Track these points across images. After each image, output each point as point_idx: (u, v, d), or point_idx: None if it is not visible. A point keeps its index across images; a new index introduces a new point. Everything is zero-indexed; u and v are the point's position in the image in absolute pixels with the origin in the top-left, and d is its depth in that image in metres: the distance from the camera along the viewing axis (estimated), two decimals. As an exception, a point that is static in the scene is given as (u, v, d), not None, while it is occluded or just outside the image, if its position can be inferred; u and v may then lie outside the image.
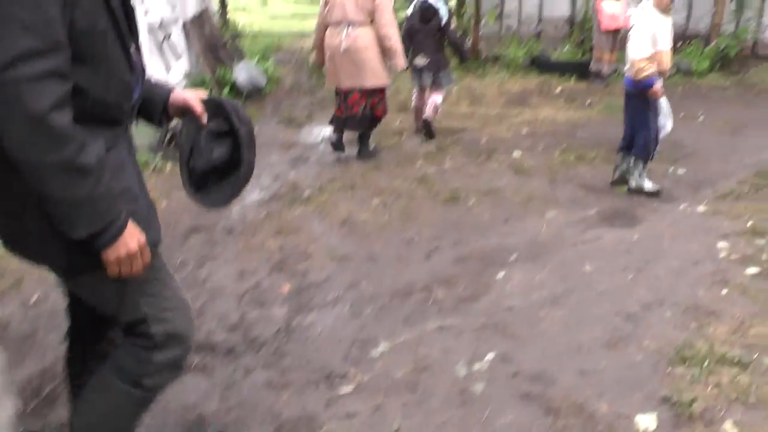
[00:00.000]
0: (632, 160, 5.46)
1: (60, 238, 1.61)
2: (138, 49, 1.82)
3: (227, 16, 14.48)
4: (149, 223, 1.77)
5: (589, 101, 8.76)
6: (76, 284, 1.82)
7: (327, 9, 6.05)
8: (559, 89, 9.36)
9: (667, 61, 5.10)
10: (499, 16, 12.11)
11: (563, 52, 10.72)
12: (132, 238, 1.64)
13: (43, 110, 1.42)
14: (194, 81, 8.24)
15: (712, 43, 10.24)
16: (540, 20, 12.04)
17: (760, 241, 4.56)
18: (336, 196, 5.55)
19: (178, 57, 8.06)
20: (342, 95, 6.20)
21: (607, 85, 9.32)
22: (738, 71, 10.32)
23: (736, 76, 10.13)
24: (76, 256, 1.66)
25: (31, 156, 1.46)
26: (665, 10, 5.12)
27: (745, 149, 6.81)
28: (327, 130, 6.93)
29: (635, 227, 4.88)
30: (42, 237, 1.64)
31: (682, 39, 10.75)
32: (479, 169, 6.19)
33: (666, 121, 5.84)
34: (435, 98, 6.99)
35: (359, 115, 6.18)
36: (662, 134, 5.64)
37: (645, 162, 5.43)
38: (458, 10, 11.28)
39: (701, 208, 5.18)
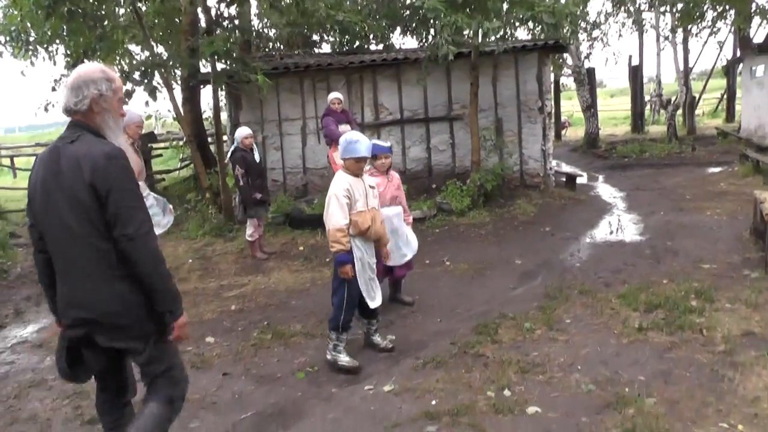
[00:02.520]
0: (329, 332, 4.97)
1: (151, 323, 3.03)
2: None
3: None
4: None
5: (329, 258, 8.05)
6: (150, 348, 3.06)
7: None
8: (301, 248, 8.68)
9: (364, 222, 4.77)
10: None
11: (317, 205, 10.18)
12: (185, 314, 3.10)
13: (155, 247, 2.94)
14: None
15: (468, 181, 10.06)
16: (305, 171, 11.63)
17: (431, 428, 3.73)
18: None
19: None
20: None
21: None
22: (504, 205, 10.21)
23: (501, 209, 10.00)
24: (160, 328, 3.05)
25: (154, 270, 2.92)
26: (356, 172, 4.81)
27: (478, 297, 6.35)
28: (26, 332, 6.58)
29: (292, 427, 4.03)
30: (144, 322, 3.00)
31: (452, 177, 10.68)
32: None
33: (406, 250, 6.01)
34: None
35: None
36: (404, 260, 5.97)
37: (337, 333, 4.86)
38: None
39: (388, 387, 4.50)
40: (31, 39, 10.37)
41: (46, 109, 10.02)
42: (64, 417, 4.50)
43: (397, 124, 11.52)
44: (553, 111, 22.24)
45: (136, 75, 9.03)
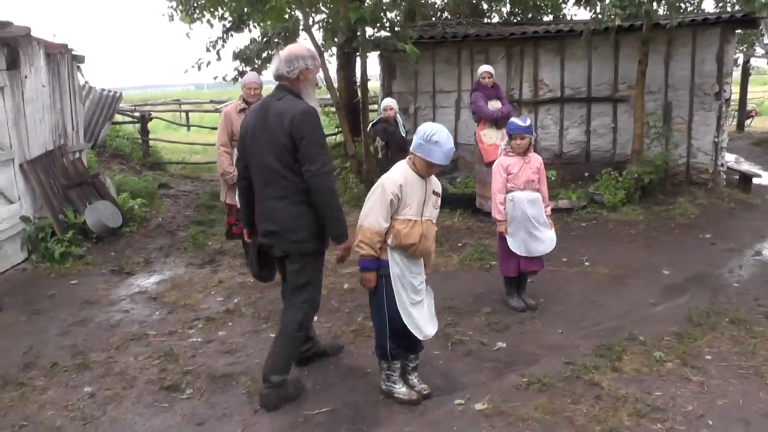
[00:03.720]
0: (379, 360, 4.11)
1: (311, 243, 3.94)
2: None
3: (149, 144, 14.11)
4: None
5: (463, 243, 7.57)
6: (303, 262, 3.95)
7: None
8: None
9: (409, 235, 3.76)
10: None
11: (463, 182, 9.66)
12: (349, 240, 3.91)
13: (332, 183, 3.83)
14: (35, 225, 7.60)
15: (625, 172, 9.06)
16: (456, 146, 11.05)
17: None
18: None
19: (10, 201, 7.46)
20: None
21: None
22: (663, 202, 9.12)
23: (659, 207, 8.95)
24: (314, 249, 3.97)
25: (329, 200, 3.78)
26: (422, 172, 3.83)
27: (610, 310, 5.61)
28: (148, 282, 6.79)
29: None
30: (306, 241, 3.90)
31: (610, 165, 9.74)
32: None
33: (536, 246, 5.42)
34: None
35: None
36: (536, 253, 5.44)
37: (387, 362, 4.02)
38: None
39: (480, 406, 3.97)
40: (196, 5, 10.60)
41: (199, 68, 10.25)
42: (147, 378, 4.49)
43: (556, 102, 10.67)
44: (737, 97, 19.93)
45: (277, 39, 8.93)
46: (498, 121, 8.15)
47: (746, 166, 12.02)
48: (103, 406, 4.11)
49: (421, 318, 3.89)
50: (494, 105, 8.28)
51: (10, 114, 7.41)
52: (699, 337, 4.83)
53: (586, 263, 6.84)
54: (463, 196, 9.13)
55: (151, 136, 16.13)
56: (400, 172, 3.82)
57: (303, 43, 3.99)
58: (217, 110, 21.67)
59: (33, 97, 7.94)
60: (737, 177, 10.48)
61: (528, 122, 5.39)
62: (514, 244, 5.41)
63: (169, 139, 16.71)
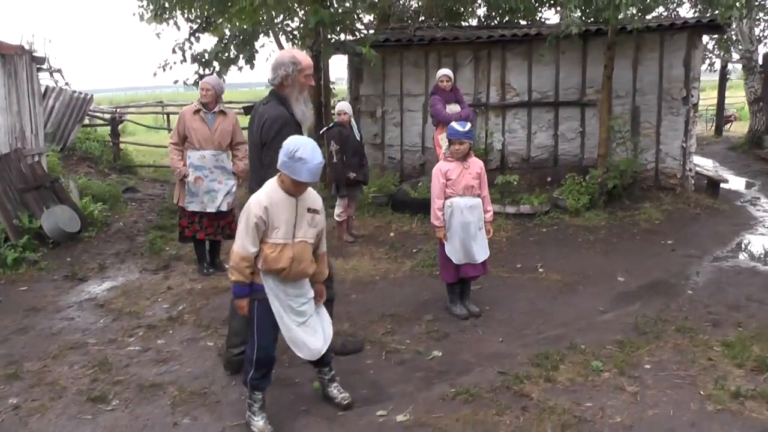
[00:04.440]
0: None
1: None
2: None
3: (119, 146, 13.96)
4: None
5: (418, 249, 7.49)
6: None
7: None
8: (392, 234, 8.11)
9: (277, 260, 3.52)
10: (380, 145, 11.11)
11: (425, 186, 9.54)
12: None
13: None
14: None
15: (587, 176, 8.98)
16: (423, 150, 11.00)
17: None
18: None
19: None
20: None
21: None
22: (628, 207, 9.03)
23: (623, 213, 8.86)
24: None
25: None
26: (291, 191, 3.55)
27: (556, 317, 5.51)
28: (99, 289, 6.65)
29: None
30: None
31: (578, 170, 9.65)
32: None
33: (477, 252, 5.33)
34: None
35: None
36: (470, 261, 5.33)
37: (250, 390, 3.78)
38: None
39: (401, 417, 3.88)
40: (166, 5, 10.36)
41: (164, 69, 10.08)
42: (77, 389, 4.38)
43: (523, 106, 10.56)
44: (715, 102, 19.88)
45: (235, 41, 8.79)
46: (456, 125, 8.06)
47: (720, 172, 11.97)
48: (25, 419, 3.99)
49: (308, 338, 3.72)
50: (453, 108, 8.18)
51: (-41, 117, 7.30)
52: (642, 345, 4.74)
53: (540, 269, 6.75)
54: (424, 201, 9.00)
55: (130, 138, 15.99)
56: (265, 192, 3.55)
57: (288, 49, 4.03)
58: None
59: (-14, 100, 7.83)
60: (706, 182, 10.41)
61: (467, 127, 5.27)
62: (450, 251, 5.31)
63: (146, 142, 16.53)
